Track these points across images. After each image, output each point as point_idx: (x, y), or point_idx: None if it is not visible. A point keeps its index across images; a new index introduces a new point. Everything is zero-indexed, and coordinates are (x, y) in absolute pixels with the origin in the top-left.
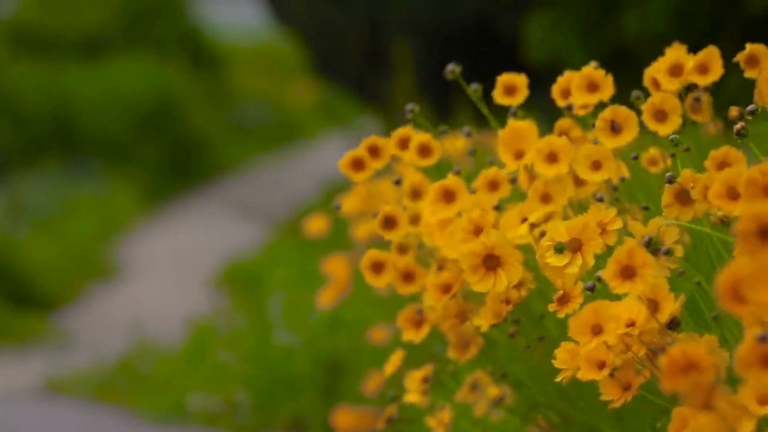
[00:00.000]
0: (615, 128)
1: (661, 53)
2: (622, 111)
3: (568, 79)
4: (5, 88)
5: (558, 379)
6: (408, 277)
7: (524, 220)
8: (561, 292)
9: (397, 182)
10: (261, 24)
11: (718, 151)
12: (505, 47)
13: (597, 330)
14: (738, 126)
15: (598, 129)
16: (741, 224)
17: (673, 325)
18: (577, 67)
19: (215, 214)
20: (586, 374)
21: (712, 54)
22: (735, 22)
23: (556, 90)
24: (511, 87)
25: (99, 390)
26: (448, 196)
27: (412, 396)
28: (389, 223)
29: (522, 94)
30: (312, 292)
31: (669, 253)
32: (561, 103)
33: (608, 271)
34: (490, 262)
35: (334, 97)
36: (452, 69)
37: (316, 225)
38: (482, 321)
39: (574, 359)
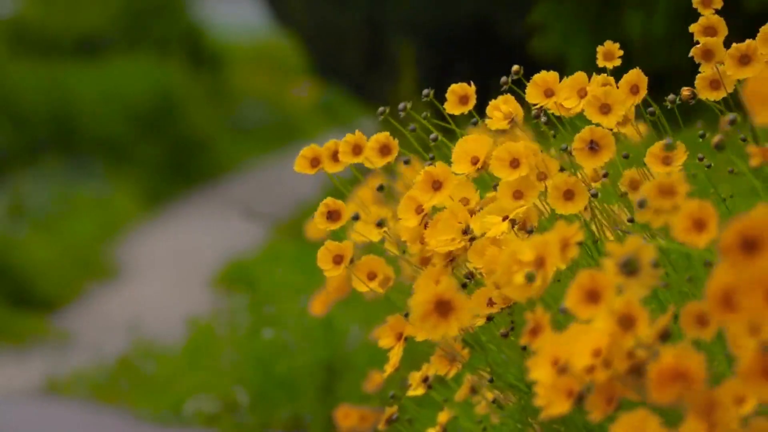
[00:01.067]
0: (593, 148)
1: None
2: (599, 130)
3: (496, 103)
4: (5, 88)
5: (540, 417)
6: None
7: (505, 218)
8: (532, 323)
9: (380, 188)
10: (261, 24)
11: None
12: (505, 47)
13: (558, 362)
14: (716, 140)
15: (576, 150)
16: (724, 239)
17: (664, 337)
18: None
19: (215, 214)
20: (555, 407)
21: (639, 75)
22: (734, 21)
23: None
24: (464, 97)
25: (99, 390)
26: (436, 184)
27: (416, 390)
28: (332, 215)
29: (473, 102)
30: (311, 293)
31: (645, 270)
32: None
33: (571, 298)
34: (442, 309)
35: (334, 97)
36: (404, 106)
37: (315, 228)
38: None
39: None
